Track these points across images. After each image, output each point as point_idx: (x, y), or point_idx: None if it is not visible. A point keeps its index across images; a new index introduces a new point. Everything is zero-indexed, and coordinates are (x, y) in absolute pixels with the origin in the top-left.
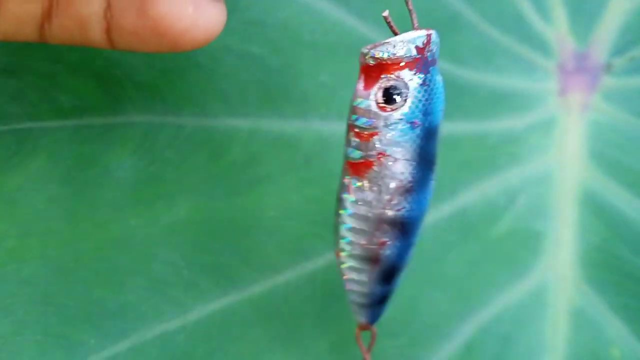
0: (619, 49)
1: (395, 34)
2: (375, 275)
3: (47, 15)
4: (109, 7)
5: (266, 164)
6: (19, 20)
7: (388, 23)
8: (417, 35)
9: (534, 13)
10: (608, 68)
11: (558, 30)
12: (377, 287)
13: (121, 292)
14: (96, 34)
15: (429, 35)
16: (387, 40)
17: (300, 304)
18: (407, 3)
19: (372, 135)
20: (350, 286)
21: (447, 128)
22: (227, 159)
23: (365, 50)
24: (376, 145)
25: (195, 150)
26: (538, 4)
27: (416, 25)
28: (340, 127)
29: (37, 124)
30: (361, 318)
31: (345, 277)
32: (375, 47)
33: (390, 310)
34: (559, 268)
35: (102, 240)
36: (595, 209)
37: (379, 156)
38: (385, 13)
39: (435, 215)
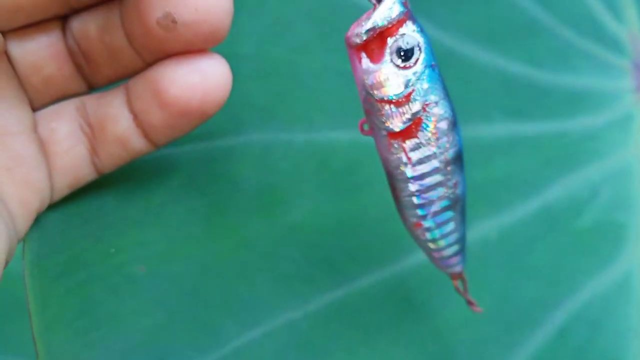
0: None
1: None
2: (458, 216)
3: (93, 151)
4: (135, 117)
5: (365, 171)
6: (73, 167)
7: None
8: None
9: (607, 14)
10: None
11: (631, 29)
12: (461, 227)
13: (253, 285)
14: (138, 144)
15: None
16: (373, 10)
17: (406, 294)
18: None
19: (408, 95)
20: (439, 244)
21: (529, 128)
22: (331, 168)
23: (358, 30)
24: (417, 100)
25: (304, 161)
26: (610, 5)
27: None
28: None
29: (174, 150)
30: (456, 267)
31: (433, 239)
32: (366, 21)
33: (486, 298)
34: None
35: (234, 242)
36: None
37: (424, 107)
38: None
39: (522, 210)
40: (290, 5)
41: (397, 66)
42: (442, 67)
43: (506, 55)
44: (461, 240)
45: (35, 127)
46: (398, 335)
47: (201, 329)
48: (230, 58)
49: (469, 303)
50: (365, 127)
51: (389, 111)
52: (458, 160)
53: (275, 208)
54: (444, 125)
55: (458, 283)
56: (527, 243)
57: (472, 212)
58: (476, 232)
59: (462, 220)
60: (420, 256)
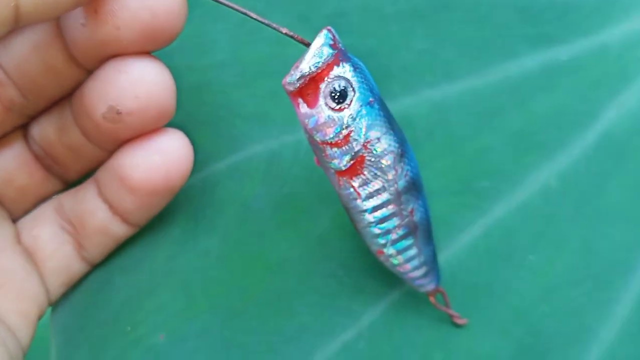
0: None
1: (305, 43)
2: (420, 241)
3: (79, 246)
4: (110, 206)
5: None
6: (64, 267)
7: (293, 37)
8: (324, 36)
9: None
10: None
11: None
12: (426, 249)
13: (294, 315)
14: (120, 229)
15: (330, 31)
16: (302, 57)
17: (467, 278)
18: (280, 31)
19: (347, 135)
20: (404, 268)
21: (563, 52)
22: None
23: (290, 79)
24: (357, 139)
25: None
26: None
27: (300, 37)
28: (453, 89)
29: None
30: (429, 286)
31: (397, 265)
32: (296, 70)
33: (564, 257)
34: None
35: (261, 272)
36: None
37: (365, 145)
38: (285, 30)
39: (579, 146)
40: None
41: (332, 109)
42: (446, 13)
43: None
44: (428, 262)
45: (18, 238)
46: (474, 325)
47: None
48: (205, 70)
49: (452, 317)
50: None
51: (331, 152)
52: (412, 188)
53: (299, 221)
54: (389, 159)
55: (436, 299)
56: (595, 182)
57: (522, 164)
58: (533, 186)
59: (427, 242)
60: (471, 233)
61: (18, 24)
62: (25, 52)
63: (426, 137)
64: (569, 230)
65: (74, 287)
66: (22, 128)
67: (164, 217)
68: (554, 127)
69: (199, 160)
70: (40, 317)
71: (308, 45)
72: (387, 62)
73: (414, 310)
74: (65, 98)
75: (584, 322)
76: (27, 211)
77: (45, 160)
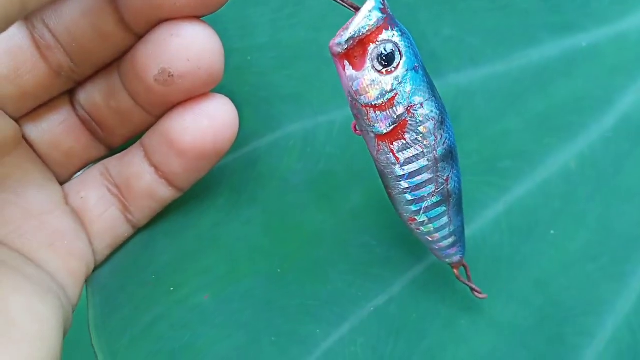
0: None
1: (354, 7)
2: (452, 210)
3: (125, 209)
4: (157, 169)
5: None
6: (110, 229)
7: (342, 2)
8: (375, 1)
9: None
10: None
11: None
12: (457, 219)
13: (329, 281)
14: (166, 192)
15: None
16: (353, 20)
17: (491, 251)
18: None
19: (392, 99)
20: (433, 237)
21: (583, 39)
22: None
23: (338, 40)
24: (401, 103)
25: (350, 139)
26: None
27: (350, 1)
28: (478, 74)
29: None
30: (454, 257)
31: (427, 233)
32: (345, 31)
33: (582, 234)
34: None
35: (299, 241)
36: None
37: (408, 110)
38: None
39: (598, 129)
40: None
41: (379, 72)
42: (472, 1)
43: None
44: (457, 232)
45: (66, 200)
46: (496, 296)
47: (286, 339)
48: (246, 52)
49: (473, 290)
50: (358, 128)
51: (374, 115)
52: (448, 156)
53: (333, 196)
54: (430, 125)
55: (459, 271)
56: (613, 163)
57: (543, 145)
58: (553, 166)
59: (458, 212)
60: (494, 210)
61: None
62: (75, 16)
63: (453, 119)
64: (587, 208)
65: None
66: (69, 93)
67: (210, 188)
68: (574, 111)
69: (241, 137)
70: (87, 277)
71: (357, 9)
72: None
73: (440, 280)
74: (112, 63)
75: (600, 294)
76: (72, 175)
77: (90, 125)
